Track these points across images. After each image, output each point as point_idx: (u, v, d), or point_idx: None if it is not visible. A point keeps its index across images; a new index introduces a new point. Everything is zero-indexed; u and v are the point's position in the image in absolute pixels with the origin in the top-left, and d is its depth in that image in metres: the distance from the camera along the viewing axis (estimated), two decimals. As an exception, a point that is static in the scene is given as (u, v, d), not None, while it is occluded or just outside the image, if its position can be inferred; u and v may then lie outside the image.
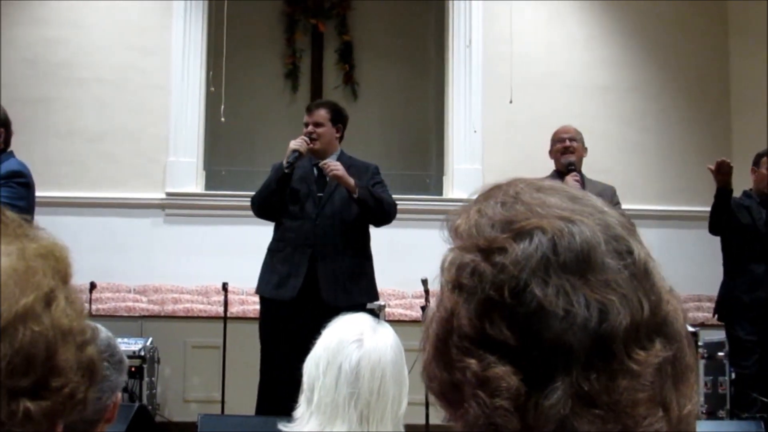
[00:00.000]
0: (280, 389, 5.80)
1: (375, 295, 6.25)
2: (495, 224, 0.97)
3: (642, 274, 0.95)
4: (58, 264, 0.94)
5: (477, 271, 0.95)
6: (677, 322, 0.97)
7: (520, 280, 0.92)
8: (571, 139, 6.71)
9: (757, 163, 6.97)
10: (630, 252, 0.96)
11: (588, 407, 0.90)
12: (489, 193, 1.02)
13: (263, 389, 6.00)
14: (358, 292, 6.05)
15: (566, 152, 6.67)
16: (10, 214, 0.95)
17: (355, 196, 5.94)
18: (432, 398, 1.00)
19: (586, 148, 6.83)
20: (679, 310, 0.98)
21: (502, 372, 0.91)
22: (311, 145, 6.10)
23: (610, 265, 0.94)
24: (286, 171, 5.97)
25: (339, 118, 6.31)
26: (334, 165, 5.97)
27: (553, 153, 6.80)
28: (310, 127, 6.17)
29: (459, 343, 0.95)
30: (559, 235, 0.94)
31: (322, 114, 6.24)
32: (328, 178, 6.08)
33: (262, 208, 6.17)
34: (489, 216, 0.98)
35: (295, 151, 5.98)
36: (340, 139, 6.35)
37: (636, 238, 0.98)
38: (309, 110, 6.32)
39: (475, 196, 1.03)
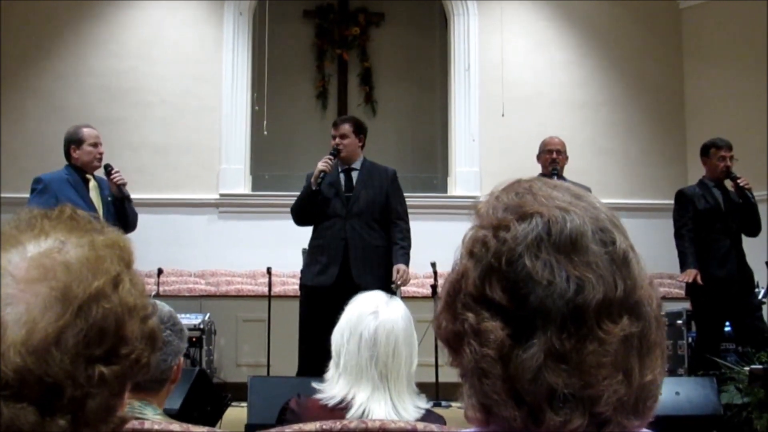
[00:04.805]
0: (317, 358, 5.80)
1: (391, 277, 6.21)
2: (507, 208, 0.99)
3: (621, 261, 0.96)
4: (122, 252, 0.94)
5: (486, 244, 0.97)
6: (648, 306, 0.97)
7: (515, 252, 0.95)
8: (558, 152, 6.76)
9: (707, 153, 6.66)
10: (613, 242, 0.97)
11: (558, 362, 0.91)
12: (510, 186, 1.04)
13: (303, 358, 5.98)
14: (386, 276, 6.00)
15: (553, 162, 6.71)
16: (81, 213, 0.96)
17: None
18: (440, 344, 1.03)
19: (567, 157, 6.88)
20: (653, 296, 0.98)
21: (492, 326, 0.93)
22: (342, 155, 6.11)
23: (593, 250, 0.95)
24: (314, 189, 5.98)
25: (361, 131, 6.28)
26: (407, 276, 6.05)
27: (541, 159, 6.83)
28: (338, 140, 6.16)
29: (464, 299, 0.97)
30: (554, 220, 0.96)
31: (346, 128, 6.21)
32: (354, 182, 6.07)
33: (300, 216, 6.12)
34: (504, 202, 1.00)
35: (321, 171, 5.97)
36: (362, 147, 6.33)
37: (621, 232, 1.00)
38: (335, 125, 6.28)
39: (500, 188, 1.05)
